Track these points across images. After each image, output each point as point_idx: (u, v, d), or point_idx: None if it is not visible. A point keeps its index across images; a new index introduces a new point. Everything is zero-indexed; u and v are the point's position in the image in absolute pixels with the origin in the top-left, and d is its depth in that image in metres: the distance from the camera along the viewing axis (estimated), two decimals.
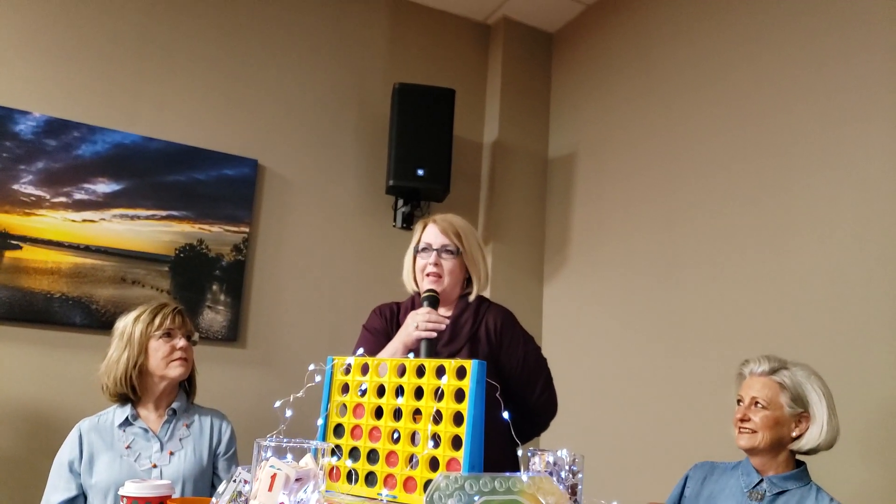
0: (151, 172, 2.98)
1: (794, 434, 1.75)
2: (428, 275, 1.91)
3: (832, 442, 1.73)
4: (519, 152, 3.73)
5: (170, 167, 3.01)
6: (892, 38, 2.29)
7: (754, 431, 1.74)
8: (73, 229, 2.80)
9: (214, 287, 3.03)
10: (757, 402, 1.75)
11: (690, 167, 2.95)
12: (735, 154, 2.76)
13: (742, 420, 1.75)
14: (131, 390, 1.92)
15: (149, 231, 2.94)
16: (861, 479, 2.14)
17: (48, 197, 2.78)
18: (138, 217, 2.93)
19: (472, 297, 1.96)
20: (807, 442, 1.74)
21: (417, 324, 1.75)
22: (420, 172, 3.28)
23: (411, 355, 1.73)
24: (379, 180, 3.44)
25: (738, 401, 1.81)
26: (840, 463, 2.11)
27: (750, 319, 2.59)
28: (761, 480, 1.75)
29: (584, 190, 3.54)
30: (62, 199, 2.80)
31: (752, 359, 1.84)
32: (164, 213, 2.98)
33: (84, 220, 2.83)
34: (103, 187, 2.88)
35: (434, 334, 1.75)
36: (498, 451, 1.67)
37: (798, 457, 1.79)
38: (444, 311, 1.93)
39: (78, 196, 2.83)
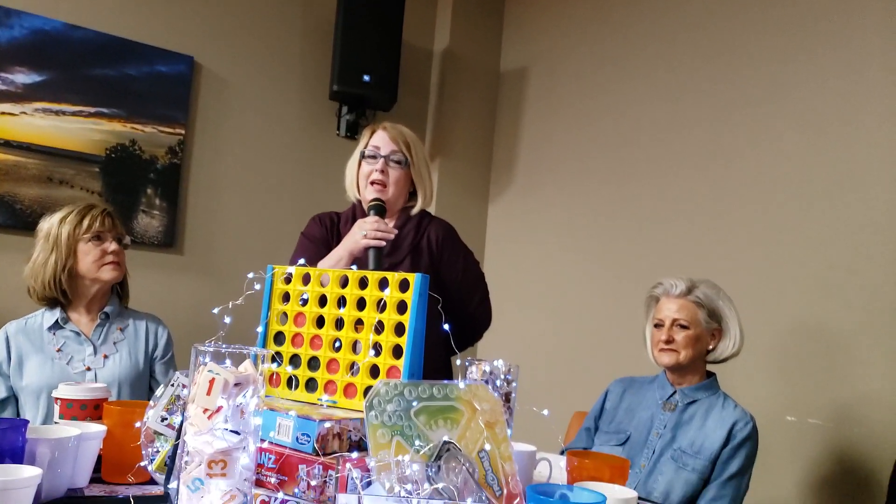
0: (77, 64, 2.79)
1: (710, 347, 1.87)
2: (373, 182, 1.85)
3: (741, 349, 1.87)
4: (470, 63, 3.65)
5: (97, 60, 2.83)
6: (841, 6, 2.31)
7: (677, 351, 1.84)
8: None
9: (149, 190, 2.93)
10: (678, 323, 1.85)
11: (643, 92, 2.96)
12: (688, 82, 2.78)
13: (667, 342, 1.85)
14: (61, 294, 1.86)
15: (76, 128, 2.79)
16: (765, 389, 2.33)
17: None
18: (63, 112, 2.77)
19: (414, 211, 1.94)
20: (721, 352, 1.88)
21: (366, 232, 1.72)
22: (366, 78, 3.18)
23: (354, 266, 1.73)
24: (322, 85, 3.33)
25: (657, 324, 1.90)
26: (748, 375, 2.28)
27: (681, 247, 2.70)
28: (675, 392, 1.87)
29: (535, 107, 3.52)
30: None
31: (665, 281, 1.93)
32: (92, 109, 2.82)
33: (2, 113, 2.65)
34: (23, 77, 2.69)
35: (383, 243, 1.72)
36: (434, 360, 1.71)
37: (709, 367, 1.92)
38: (387, 222, 1.90)
39: None
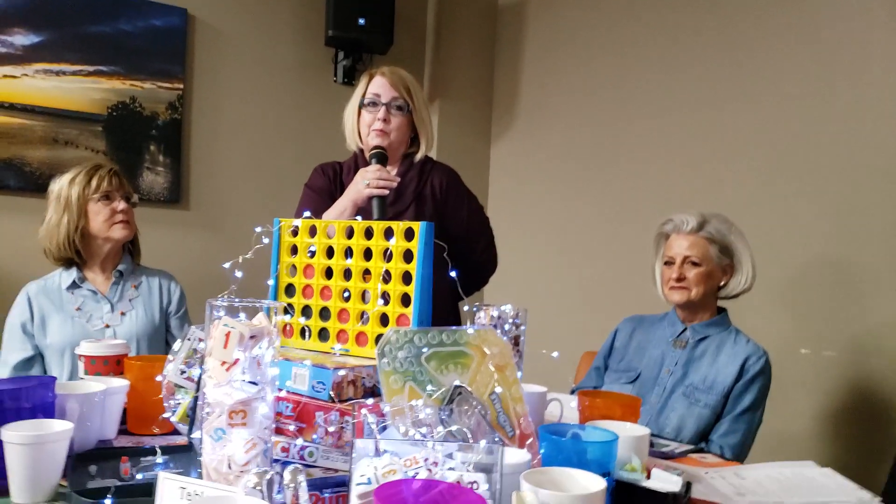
0: (73, 22, 2.76)
1: (721, 283, 1.86)
2: (375, 130, 1.81)
3: (753, 284, 1.86)
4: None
5: (92, 17, 2.79)
6: None
7: (688, 288, 1.83)
8: None
9: (152, 147, 2.93)
10: (690, 260, 1.83)
11: (646, 21, 2.89)
12: (692, 17, 2.71)
13: (678, 279, 1.83)
14: (76, 254, 1.89)
15: (77, 88, 2.77)
16: (778, 323, 2.34)
17: None
18: (64, 72, 2.75)
19: (418, 157, 1.91)
20: (733, 288, 1.86)
21: (368, 181, 1.69)
22: (361, 22, 3.12)
23: (359, 217, 1.73)
24: (318, 31, 3.28)
25: (668, 261, 1.88)
26: (760, 309, 2.29)
27: (689, 182, 2.67)
28: (685, 329, 1.88)
29: (535, 42, 3.44)
30: None
31: (675, 217, 1.89)
32: (91, 67, 2.80)
33: (4, 76, 2.64)
34: (21, 39, 2.67)
35: (386, 192, 1.70)
36: (443, 307, 1.72)
37: (720, 303, 1.91)
38: (389, 170, 1.88)
39: None
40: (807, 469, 1.29)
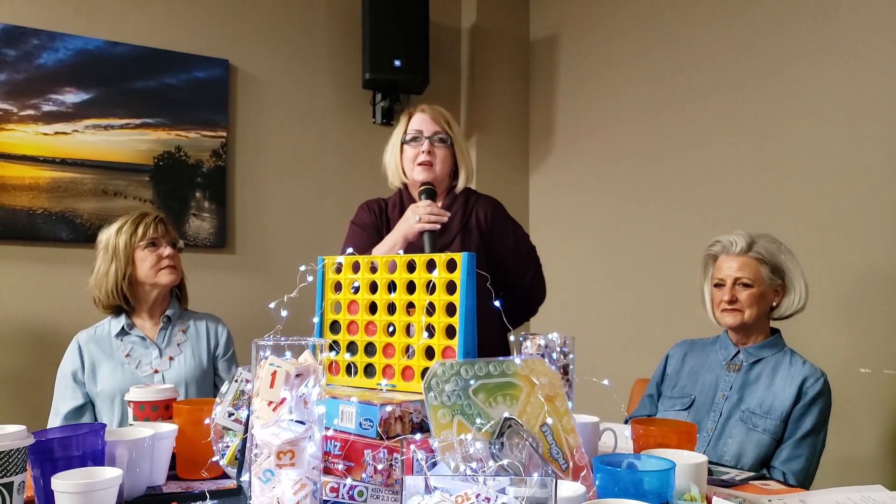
0: (120, 79, 2.87)
1: (773, 304, 1.81)
2: (420, 163, 1.85)
3: (806, 303, 1.80)
4: (499, 36, 3.61)
5: (138, 72, 2.90)
6: None
7: (741, 311, 1.78)
8: (46, 143, 2.73)
9: (197, 194, 3.00)
10: (741, 282, 1.79)
11: (678, 50, 2.88)
12: (725, 39, 2.69)
13: (730, 301, 1.79)
14: (124, 301, 1.93)
15: (125, 140, 2.87)
16: (834, 342, 2.25)
17: (15, 110, 2.68)
18: (112, 127, 2.85)
19: (459, 189, 1.93)
20: (786, 309, 1.81)
21: (420, 216, 1.72)
22: (397, 63, 3.18)
23: (400, 252, 1.73)
24: (355, 74, 3.34)
25: (718, 283, 1.84)
26: (815, 329, 2.20)
27: (734, 202, 2.62)
28: (738, 352, 1.82)
29: (569, 74, 3.46)
30: (30, 111, 2.71)
31: (723, 238, 1.86)
32: (138, 121, 2.90)
33: (56, 133, 2.75)
34: (72, 97, 2.78)
35: (438, 226, 1.73)
36: (490, 338, 1.71)
37: (773, 324, 1.86)
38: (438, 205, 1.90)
39: (46, 108, 2.74)
40: (876, 493, 1.22)
